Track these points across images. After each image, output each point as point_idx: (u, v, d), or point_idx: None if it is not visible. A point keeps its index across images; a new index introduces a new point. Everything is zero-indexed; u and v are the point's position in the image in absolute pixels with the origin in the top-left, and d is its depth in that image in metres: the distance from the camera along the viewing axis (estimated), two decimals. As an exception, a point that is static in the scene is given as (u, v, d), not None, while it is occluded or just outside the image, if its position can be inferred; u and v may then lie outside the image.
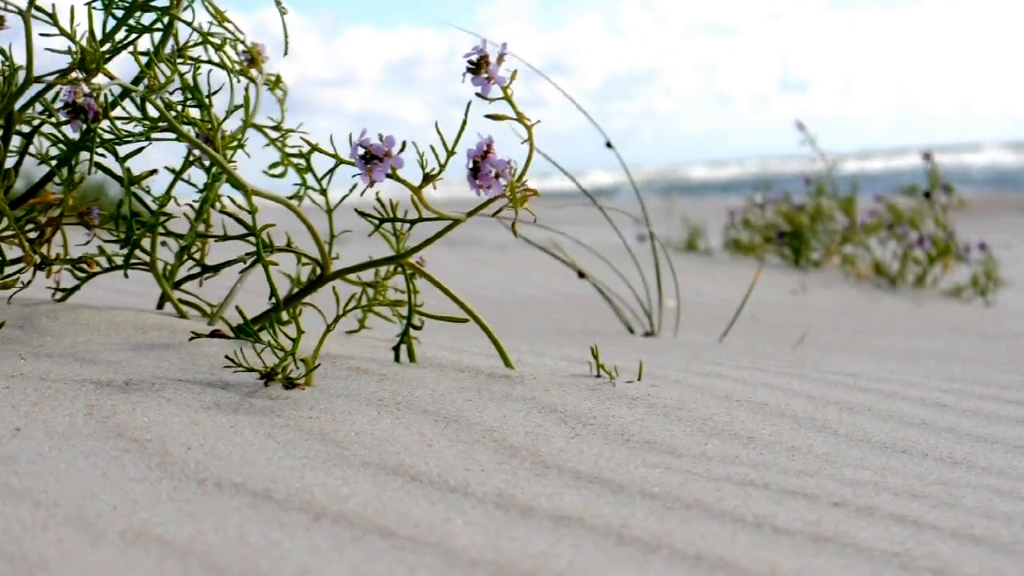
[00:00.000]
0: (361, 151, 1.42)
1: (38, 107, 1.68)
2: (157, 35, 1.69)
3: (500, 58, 1.43)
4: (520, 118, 1.44)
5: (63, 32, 1.57)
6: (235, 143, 1.66)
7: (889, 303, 4.52)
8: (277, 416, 1.31)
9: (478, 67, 1.42)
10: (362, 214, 1.54)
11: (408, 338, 1.65)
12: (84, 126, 1.56)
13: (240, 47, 1.75)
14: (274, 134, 1.75)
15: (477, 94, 1.43)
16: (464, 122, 1.46)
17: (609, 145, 2.58)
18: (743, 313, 2.89)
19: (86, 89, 1.49)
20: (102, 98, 1.55)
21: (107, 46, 1.63)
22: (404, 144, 1.43)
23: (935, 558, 1.02)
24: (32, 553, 0.87)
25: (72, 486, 1.03)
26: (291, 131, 1.74)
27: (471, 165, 1.42)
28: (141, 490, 1.04)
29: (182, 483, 1.07)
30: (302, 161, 1.70)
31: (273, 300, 1.62)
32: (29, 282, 1.69)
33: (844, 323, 3.45)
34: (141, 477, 1.08)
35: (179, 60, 1.68)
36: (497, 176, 1.42)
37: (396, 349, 1.66)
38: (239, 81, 1.72)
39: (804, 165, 5.64)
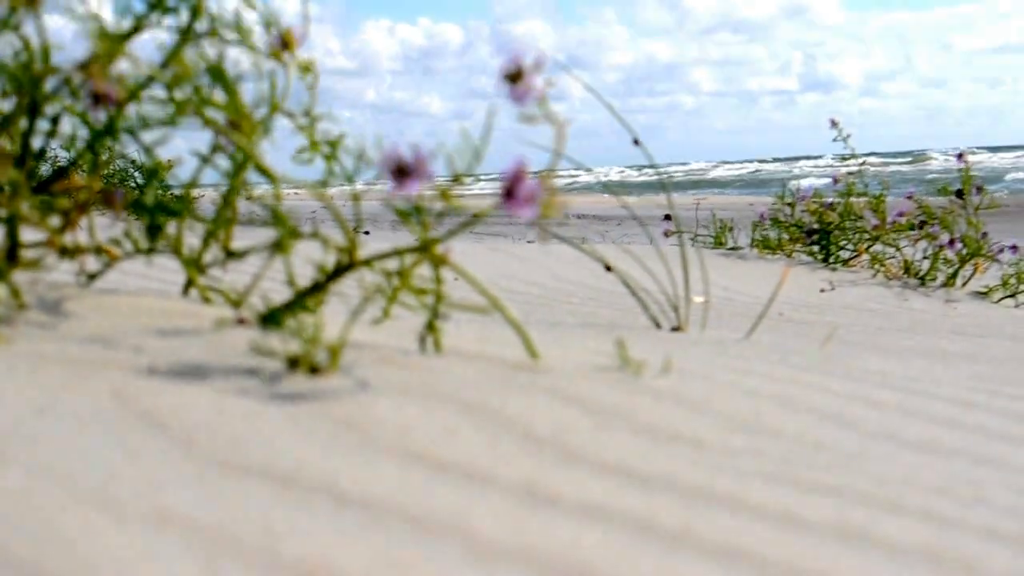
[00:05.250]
0: (391, 165, 1.40)
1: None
2: (182, 18, 1.69)
3: (536, 66, 1.39)
4: (552, 120, 1.41)
5: (88, 17, 1.56)
6: (262, 129, 1.66)
7: (918, 303, 4.49)
8: (302, 402, 1.31)
9: (515, 77, 1.39)
10: (390, 205, 1.53)
11: (433, 327, 1.64)
12: (106, 114, 1.56)
13: (273, 30, 1.74)
14: (302, 120, 1.74)
15: (513, 100, 1.39)
16: (489, 127, 1.43)
17: (636, 142, 2.57)
18: (771, 310, 2.88)
19: (107, 77, 1.48)
20: (126, 84, 1.55)
21: (129, 28, 1.63)
22: (434, 153, 1.40)
23: (962, 555, 1.01)
24: (55, 533, 0.87)
25: (96, 468, 1.03)
26: (319, 117, 1.74)
27: (504, 188, 1.39)
28: (165, 473, 1.04)
29: (206, 467, 1.07)
30: (329, 148, 1.70)
31: (294, 289, 1.62)
32: (53, 266, 1.69)
33: (873, 322, 3.43)
34: (165, 460, 1.07)
35: (207, 41, 1.68)
36: (530, 198, 1.39)
37: (421, 338, 1.66)
38: (263, 66, 1.72)
39: (829, 163, 5.62)
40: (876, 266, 5.31)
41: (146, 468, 1.04)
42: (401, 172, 1.40)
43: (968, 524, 1.09)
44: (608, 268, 2.50)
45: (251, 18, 1.72)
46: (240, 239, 1.81)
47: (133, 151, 1.61)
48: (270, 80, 1.69)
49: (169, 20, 1.68)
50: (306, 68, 1.78)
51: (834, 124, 5.48)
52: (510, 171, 1.38)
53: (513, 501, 1.05)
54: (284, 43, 1.75)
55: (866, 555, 0.99)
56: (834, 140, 5.50)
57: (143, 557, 0.84)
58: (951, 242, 5.07)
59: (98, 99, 1.53)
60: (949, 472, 1.28)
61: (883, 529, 1.05)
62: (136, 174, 5.69)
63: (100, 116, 1.53)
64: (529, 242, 5.79)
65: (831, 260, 5.58)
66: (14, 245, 1.62)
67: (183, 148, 1.73)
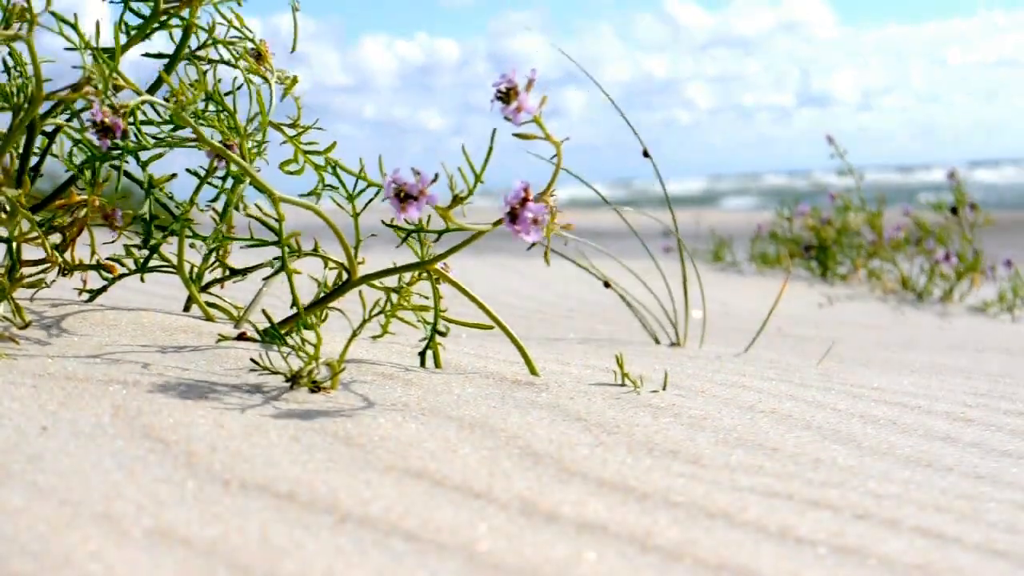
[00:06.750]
0: (395, 188, 1.40)
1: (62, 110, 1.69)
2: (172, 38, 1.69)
3: (529, 84, 1.38)
4: (548, 138, 1.40)
5: (85, 43, 1.57)
6: (258, 147, 1.67)
7: (915, 318, 4.50)
8: (302, 419, 1.31)
9: (507, 96, 1.38)
10: (389, 225, 1.54)
11: (433, 344, 1.65)
12: (111, 144, 1.55)
13: (249, 45, 1.75)
14: (291, 132, 1.74)
15: (506, 118, 1.38)
16: (490, 149, 1.44)
17: (646, 154, 2.58)
18: (769, 325, 2.89)
19: (112, 108, 1.48)
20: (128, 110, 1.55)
21: (124, 41, 1.63)
22: (436, 176, 1.41)
23: (958, 571, 1.01)
24: (57, 551, 0.87)
25: (97, 485, 1.03)
26: (308, 128, 1.74)
27: (508, 211, 1.38)
28: (166, 490, 1.04)
29: (207, 484, 1.07)
30: (320, 159, 1.70)
31: (295, 306, 1.62)
32: (53, 282, 1.70)
33: (870, 337, 3.44)
34: (166, 477, 1.08)
35: (198, 61, 1.69)
36: (535, 221, 1.38)
37: (422, 355, 1.66)
38: (252, 84, 1.72)
39: (826, 178, 5.64)
40: (873, 281, 5.32)
41: (147, 485, 1.05)
42: (404, 197, 1.40)
43: (964, 540, 1.10)
44: (607, 284, 2.51)
45: (238, 36, 1.73)
46: (242, 256, 1.82)
47: (131, 167, 1.61)
48: (257, 95, 1.69)
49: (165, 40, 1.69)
50: (291, 83, 1.78)
51: (830, 141, 5.51)
52: (514, 194, 1.38)
53: (513, 517, 1.05)
54: (258, 55, 1.76)
55: (863, 570, 1.00)
56: (831, 156, 5.52)
57: (144, 574, 0.85)
58: (947, 257, 5.09)
59: (105, 130, 1.53)
60: (945, 488, 1.29)
61: (880, 545, 1.06)
62: (136, 190, 5.68)
63: (106, 144, 1.53)
64: (528, 250, 5.80)
65: (828, 275, 5.59)
66: (15, 263, 1.62)
67: (180, 164, 1.74)
